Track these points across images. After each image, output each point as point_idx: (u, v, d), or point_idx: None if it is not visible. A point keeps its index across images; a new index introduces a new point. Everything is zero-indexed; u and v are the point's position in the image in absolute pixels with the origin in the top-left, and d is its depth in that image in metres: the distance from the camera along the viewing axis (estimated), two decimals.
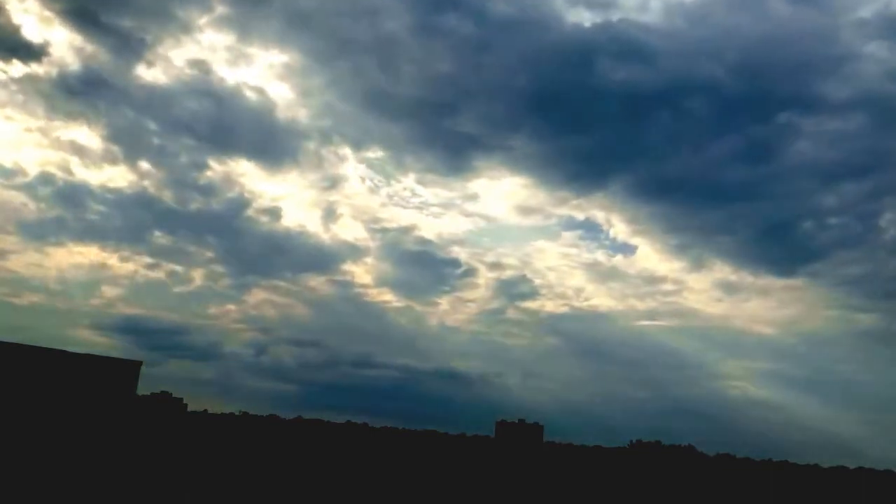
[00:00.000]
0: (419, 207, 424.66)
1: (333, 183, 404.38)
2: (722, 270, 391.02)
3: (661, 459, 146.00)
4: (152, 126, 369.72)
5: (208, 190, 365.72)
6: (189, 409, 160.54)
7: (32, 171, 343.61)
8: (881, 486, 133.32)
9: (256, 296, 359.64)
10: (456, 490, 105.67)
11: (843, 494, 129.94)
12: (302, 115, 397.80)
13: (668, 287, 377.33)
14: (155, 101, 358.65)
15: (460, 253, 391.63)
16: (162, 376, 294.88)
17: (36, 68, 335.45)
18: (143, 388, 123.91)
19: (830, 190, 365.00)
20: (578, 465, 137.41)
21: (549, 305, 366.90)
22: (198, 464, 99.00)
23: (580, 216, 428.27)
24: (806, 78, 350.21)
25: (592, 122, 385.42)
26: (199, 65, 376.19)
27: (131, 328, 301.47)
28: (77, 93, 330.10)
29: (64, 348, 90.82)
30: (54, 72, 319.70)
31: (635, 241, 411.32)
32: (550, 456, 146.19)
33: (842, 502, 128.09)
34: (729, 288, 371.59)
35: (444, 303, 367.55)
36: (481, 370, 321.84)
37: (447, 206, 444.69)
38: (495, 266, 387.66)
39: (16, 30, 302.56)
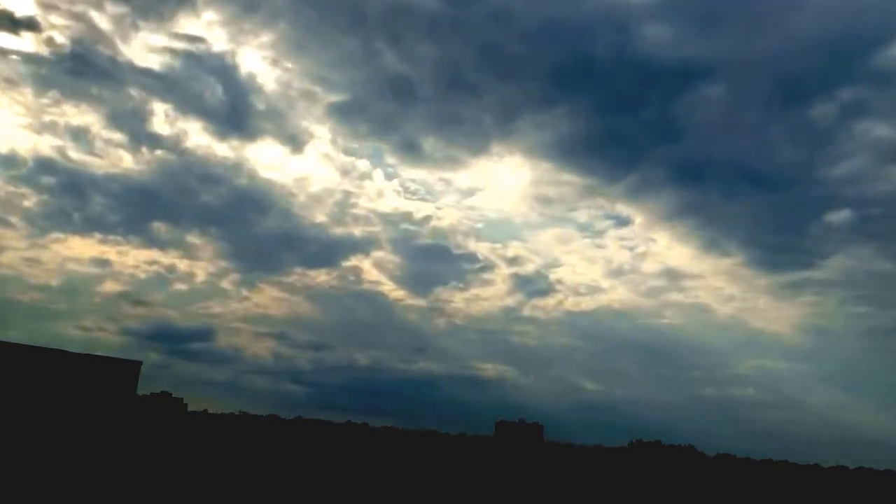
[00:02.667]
0: (434, 197, 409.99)
1: (341, 170, 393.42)
2: (748, 265, 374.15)
3: (661, 459, 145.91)
4: (155, 107, 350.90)
5: (212, 176, 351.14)
6: (189, 409, 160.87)
7: (25, 156, 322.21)
8: (881, 486, 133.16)
9: (262, 291, 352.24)
10: (456, 490, 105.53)
11: (843, 494, 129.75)
12: (310, 96, 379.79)
13: (690, 283, 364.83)
14: (157, 81, 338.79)
15: (476, 246, 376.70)
16: (164, 375, 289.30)
17: (29, 44, 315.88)
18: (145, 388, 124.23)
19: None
20: (578, 465, 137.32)
21: (567, 302, 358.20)
22: (198, 464, 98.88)
23: (601, 207, 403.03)
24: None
25: (619, 104, 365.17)
26: (201, 41, 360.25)
27: (135, 327, 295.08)
28: (74, 72, 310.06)
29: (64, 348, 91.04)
30: (49, 48, 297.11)
31: (658, 234, 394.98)
32: (550, 456, 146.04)
33: (842, 502, 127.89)
34: (750, 285, 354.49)
35: (457, 298, 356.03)
36: (494, 369, 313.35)
37: (464, 195, 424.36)
38: (512, 261, 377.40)
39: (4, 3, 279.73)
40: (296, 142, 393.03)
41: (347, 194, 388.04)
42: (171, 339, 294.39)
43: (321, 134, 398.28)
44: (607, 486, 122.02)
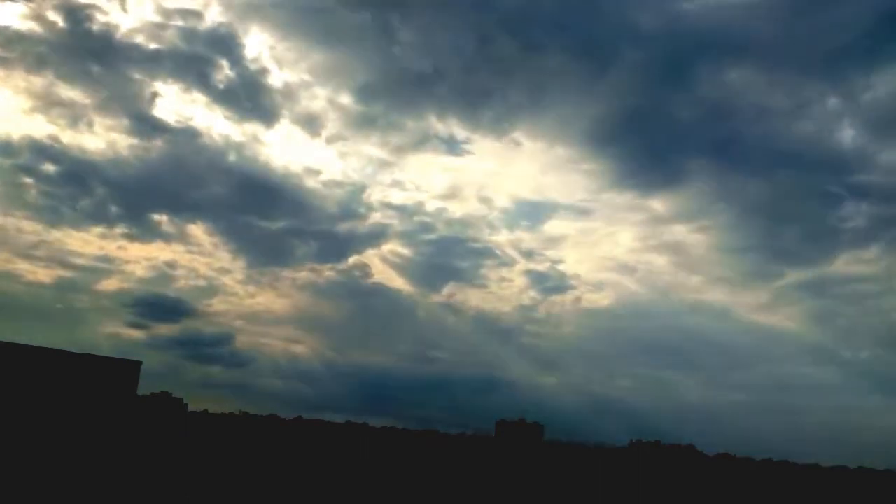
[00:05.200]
0: (449, 189, 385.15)
1: (352, 158, 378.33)
2: (769, 261, 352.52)
3: (661, 459, 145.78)
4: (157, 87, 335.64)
5: (217, 166, 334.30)
6: (189, 408, 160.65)
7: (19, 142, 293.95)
8: (881, 486, 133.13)
9: (266, 287, 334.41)
10: (456, 490, 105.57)
11: (843, 494, 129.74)
12: (317, 80, 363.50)
13: (706, 279, 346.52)
14: (159, 63, 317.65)
15: (488, 239, 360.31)
16: (165, 374, 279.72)
17: (19, 21, 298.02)
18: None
19: None
20: (578, 465, 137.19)
21: (583, 299, 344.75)
22: (198, 463, 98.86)
23: (620, 197, 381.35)
24: None
25: (645, 83, 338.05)
26: (197, 17, 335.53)
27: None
28: (71, 51, 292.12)
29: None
30: (43, 26, 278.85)
31: (678, 226, 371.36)
32: (550, 455, 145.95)
33: (842, 502, 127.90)
34: (771, 282, 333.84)
35: (470, 293, 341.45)
36: (506, 367, 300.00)
37: (482, 188, 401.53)
38: (528, 255, 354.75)
39: None
40: (307, 127, 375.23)
41: (358, 185, 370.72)
42: (174, 339, 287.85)
43: (330, 120, 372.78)
44: (607, 486, 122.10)
